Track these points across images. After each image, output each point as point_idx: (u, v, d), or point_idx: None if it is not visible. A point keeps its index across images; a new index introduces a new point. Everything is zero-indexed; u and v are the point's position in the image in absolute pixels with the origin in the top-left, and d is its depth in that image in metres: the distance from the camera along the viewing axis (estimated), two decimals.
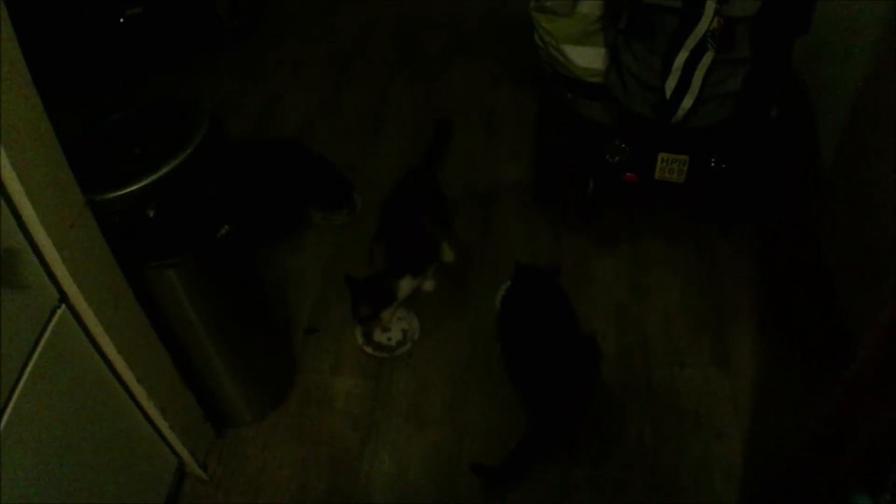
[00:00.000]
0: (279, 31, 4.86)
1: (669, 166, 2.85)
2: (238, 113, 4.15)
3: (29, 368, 1.68)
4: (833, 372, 1.86)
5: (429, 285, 3.07)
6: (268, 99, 4.27)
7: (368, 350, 2.89)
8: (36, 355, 1.70)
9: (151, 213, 2.02)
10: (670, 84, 2.55)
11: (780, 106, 2.80)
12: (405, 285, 2.82)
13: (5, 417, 1.60)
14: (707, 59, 2.47)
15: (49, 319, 1.76)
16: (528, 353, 2.57)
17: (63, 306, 1.80)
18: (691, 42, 2.45)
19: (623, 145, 2.88)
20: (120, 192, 1.96)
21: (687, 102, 2.57)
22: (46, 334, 1.74)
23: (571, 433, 2.52)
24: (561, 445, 2.52)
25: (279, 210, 3.35)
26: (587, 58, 2.85)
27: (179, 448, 2.37)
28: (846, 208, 2.82)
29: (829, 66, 2.91)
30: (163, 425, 2.24)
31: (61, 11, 3.94)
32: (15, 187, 1.58)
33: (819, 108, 3.00)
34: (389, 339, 2.92)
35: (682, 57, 2.49)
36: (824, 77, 2.98)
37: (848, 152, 2.80)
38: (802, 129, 3.05)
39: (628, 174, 2.93)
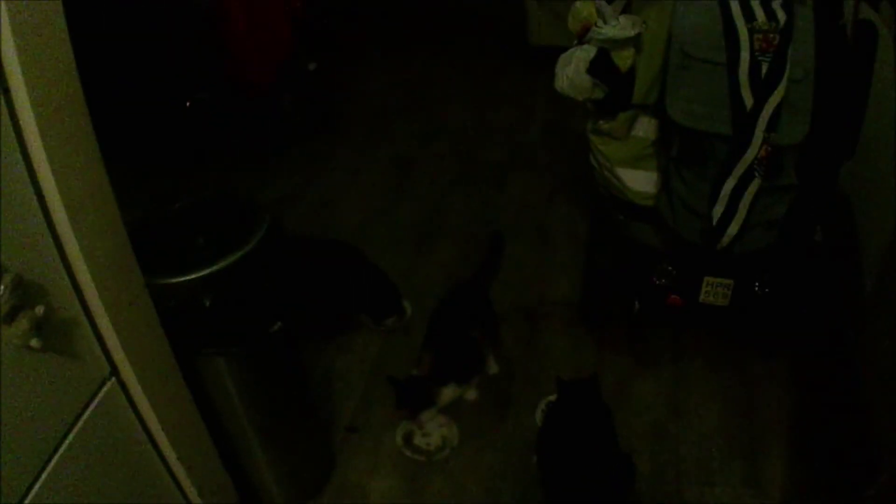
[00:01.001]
0: (342, 133, 4.99)
1: (714, 290, 2.89)
2: (295, 212, 4.24)
3: (72, 434, 1.71)
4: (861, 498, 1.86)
5: (472, 395, 3.09)
6: (325, 200, 4.37)
7: (407, 453, 2.90)
8: (81, 422, 1.73)
9: (207, 303, 2.09)
10: (717, 210, 2.59)
11: (825, 230, 2.83)
12: (448, 392, 2.88)
13: (41, 479, 1.62)
14: (754, 186, 2.51)
15: (98, 390, 1.80)
16: (563, 467, 2.57)
17: (113, 379, 1.85)
18: (739, 169, 2.50)
19: (670, 268, 2.92)
20: (179, 280, 2.04)
21: (733, 229, 2.61)
22: (93, 404, 1.78)
23: None
24: None
25: (330, 310, 3.39)
26: (639, 181, 2.89)
27: None
28: (885, 335, 2.82)
29: (874, 190, 2.92)
30: None
31: (131, 89, 4.06)
32: (78, 260, 1.64)
33: (863, 234, 3.02)
34: (429, 444, 2.94)
35: (729, 184, 2.53)
36: (869, 202, 2.99)
37: (889, 281, 2.81)
38: (847, 254, 3.07)
39: (673, 296, 2.97)
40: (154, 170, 4.19)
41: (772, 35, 2.37)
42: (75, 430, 1.72)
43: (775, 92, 2.38)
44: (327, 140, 4.93)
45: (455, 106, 5.23)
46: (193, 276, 2.05)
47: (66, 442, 1.70)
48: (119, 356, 1.83)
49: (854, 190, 3.04)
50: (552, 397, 2.85)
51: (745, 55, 2.39)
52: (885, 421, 2.68)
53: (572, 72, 2.78)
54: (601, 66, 2.72)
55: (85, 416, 1.75)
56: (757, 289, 2.86)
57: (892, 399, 2.67)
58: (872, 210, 2.96)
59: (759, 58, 2.38)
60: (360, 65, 5.78)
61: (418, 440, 2.95)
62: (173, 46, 4.29)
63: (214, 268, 2.08)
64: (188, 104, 4.37)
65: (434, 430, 2.98)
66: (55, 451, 1.67)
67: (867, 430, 2.75)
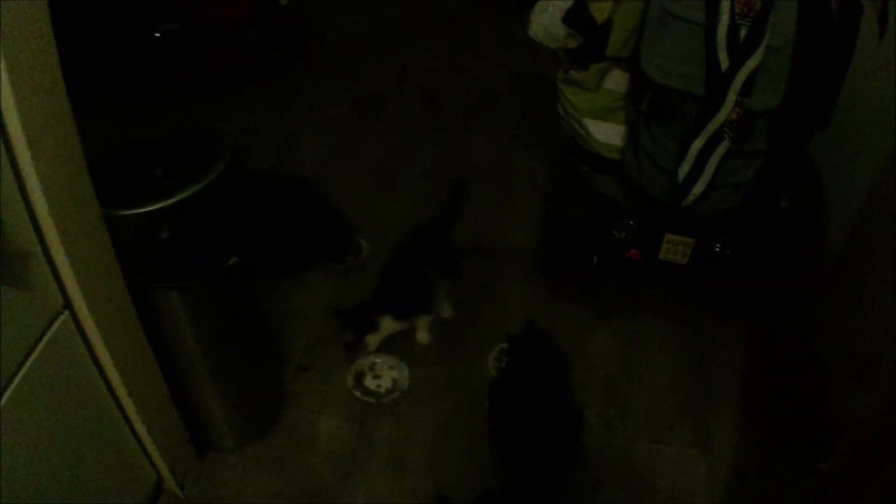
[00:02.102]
0: (310, 70, 4.92)
1: (674, 247, 2.89)
2: (259, 144, 4.19)
3: (25, 368, 1.70)
4: (810, 465, 1.87)
5: (423, 337, 3.09)
6: (290, 134, 4.31)
7: (357, 394, 2.90)
8: (34, 356, 1.72)
9: (164, 236, 2.05)
10: (684, 169, 2.58)
11: (792, 197, 2.84)
12: (386, 323, 2.92)
13: None
14: (722, 148, 2.50)
15: (51, 323, 1.79)
16: (512, 416, 2.58)
17: (66, 312, 1.83)
18: (709, 130, 2.48)
19: (631, 223, 2.92)
20: (136, 211, 2.00)
21: (698, 188, 2.60)
22: (46, 337, 1.77)
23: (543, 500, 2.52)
24: None
25: (286, 248, 3.36)
26: (607, 133, 2.87)
27: (160, 464, 2.38)
28: (843, 303, 2.84)
29: (843, 161, 2.93)
30: (147, 440, 2.26)
31: (99, 17, 3.98)
32: (35, 191, 1.61)
33: (831, 202, 3.03)
34: (379, 385, 2.94)
35: (698, 144, 2.52)
36: (838, 172, 3.00)
37: (852, 248, 2.81)
38: (812, 221, 3.08)
39: (633, 251, 2.97)
40: (116, 101, 4.11)
41: (754, 0, 2.34)
42: (27, 364, 1.72)
43: (752, 56, 2.36)
44: (295, 76, 4.86)
45: (427, 48, 5.16)
46: (150, 208, 2.03)
47: (19, 376, 1.69)
48: (73, 289, 1.82)
49: (824, 162, 3.04)
50: (505, 345, 2.85)
51: (724, 17, 2.35)
52: (839, 394, 2.71)
53: (547, 19, 2.74)
54: (577, 16, 2.68)
55: (38, 351, 1.75)
56: (717, 250, 2.87)
57: (847, 373, 2.69)
58: (841, 184, 2.97)
59: (739, 21, 2.35)
60: (334, 1, 5.69)
61: (368, 382, 2.95)
62: None
63: (172, 200, 2.05)
64: (157, 35, 4.29)
65: (385, 373, 2.98)
66: (7, 385, 1.66)
67: (821, 401, 2.78)
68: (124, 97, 4.20)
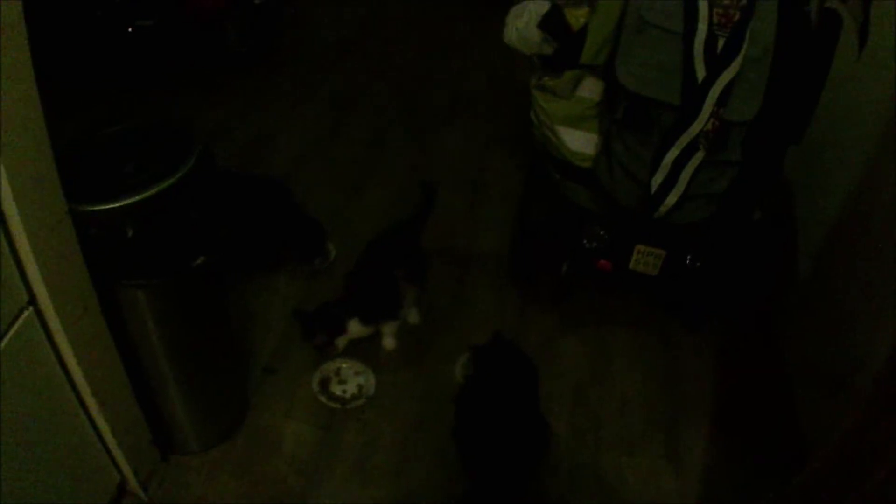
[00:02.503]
0: (284, 67, 4.93)
1: (645, 258, 2.88)
2: (231, 140, 4.18)
3: None
4: (781, 478, 1.87)
5: (389, 343, 3.08)
6: (261, 133, 4.30)
7: (323, 399, 2.87)
8: None
9: (130, 233, 2.02)
10: (657, 179, 2.57)
11: (764, 210, 2.84)
12: (354, 326, 2.91)
13: None
14: (696, 159, 2.50)
15: (15, 319, 1.76)
16: (477, 425, 2.55)
17: (31, 308, 1.80)
18: (684, 140, 2.47)
19: (602, 232, 2.91)
20: (102, 207, 1.96)
21: (671, 199, 2.60)
22: (10, 333, 1.74)
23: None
24: None
25: (255, 249, 3.33)
26: (579, 142, 2.86)
27: (123, 465, 2.35)
28: (815, 319, 2.85)
29: (818, 176, 2.95)
30: (110, 441, 2.22)
31: (73, 11, 3.96)
32: (2, 184, 1.59)
33: (803, 216, 3.05)
34: (345, 391, 2.92)
35: (672, 154, 2.51)
36: (811, 187, 3.02)
37: (825, 264, 2.82)
38: (783, 235, 3.08)
39: (603, 261, 2.96)
40: (89, 94, 4.08)
41: (732, 10, 2.34)
42: None
43: (729, 67, 2.36)
44: (269, 73, 4.86)
45: (402, 48, 5.18)
46: (117, 203, 1.97)
47: None
48: (38, 284, 1.79)
49: (797, 177, 3.06)
50: (469, 354, 2.84)
51: (702, 27, 2.35)
52: (809, 407, 2.71)
53: (523, 24, 2.74)
54: (553, 22, 2.68)
55: (1, 346, 1.70)
56: (688, 262, 2.86)
57: (817, 387, 2.70)
58: (814, 197, 2.99)
59: (717, 32, 2.34)
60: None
61: (334, 387, 2.93)
62: None
63: (138, 197, 2.00)
64: (131, 30, 4.26)
65: (350, 378, 2.96)
66: None
67: (791, 413, 2.78)
68: (96, 91, 4.17)
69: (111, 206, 1.97)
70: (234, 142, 4.19)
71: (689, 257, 2.86)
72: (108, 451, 2.27)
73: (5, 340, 1.72)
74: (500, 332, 2.76)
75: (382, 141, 4.30)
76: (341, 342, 2.94)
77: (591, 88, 2.79)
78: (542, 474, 2.61)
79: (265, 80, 4.77)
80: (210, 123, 4.26)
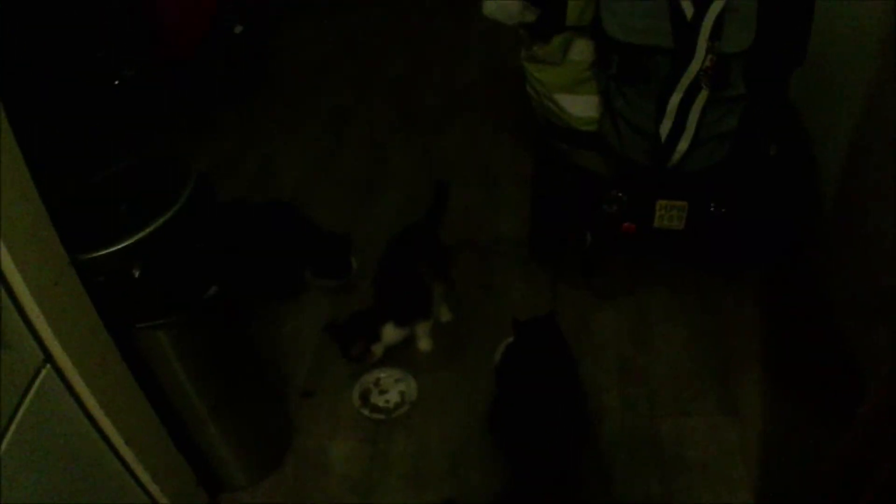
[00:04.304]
0: (277, 91, 4.91)
1: (668, 213, 2.81)
2: (235, 174, 4.15)
3: (12, 429, 1.61)
4: (843, 415, 1.81)
5: (425, 344, 3.02)
6: (265, 160, 4.27)
7: (365, 412, 2.82)
8: (19, 416, 1.64)
9: (136, 273, 1.98)
10: (665, 127, 2.52)
11: (779, 144, 2.77)
12: (389, 331, 2.85)
13: None
14: (701, 98, 2.44)
15: (33, 380, 1.70)
16: (515, 409, 2.52)
17: (48, 366, 1.75)
18: (685, 82, 2.42)
19: (620, 194, 2.84)
20: (104, 252, 1.92)
21: (683, 145, 2.54)
22: (30, 395, 1.68)
23: (556, 491, 2.44)
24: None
25: (273, 273, 3.30)
26: (580, 106, 2.81)
27: None
28: (848, 246, 2.79)
29: (826, 102, 2.90)
30: (153, 489, 2.17)
31: (54, 71, 3.94)
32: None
33: (818, 146, 2.98)
34: (387, 401, 2.86)
35: (675, 98, 2.46)
36: (822, 113, 2.96)
37: (849, 189, 2.77)
38: (802, 167, 3.02)
39: (626, 224, 2.89)
40: (78, 143, 4.07)
41: None
42: (13, 425, 1.62)
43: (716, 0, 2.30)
44: (262, 100, 4.84)
45: (389, 56, 5.13)
46: (118, 246, 1.93)
47: (7, 437, 1.60)
48: (51, 341, 1.73)
49: (806, 104, 3.00)
50: (511, 339, 2.76)
51: None
52: (856, 333, 2.65)
53: None
54: None
55: (23, 410, 1.66)
56: (712, 209, 2.79)
57: (861, 310, 2.63)
58: (827, 120, 2.93)
59: None
60: (288, 20, 5.66)
61: (376, 398, 2.87)
62: (93, 26, 4.16)
63: (139, 235, 1.96)
64: (116, 83, 4.25)
65: (391, 387, 2.91)
66: None
67: (839, 343, 2.72)
68: (91, 142, 4.17)
69: (112, 249, 1.93)
70: (240, 173, 4.16)
71: (712, 205, 2.78)
72: (154, 500, 2.22)
73: (26, 403, 1.67)
74: (554, 311, 2.72)
75: (384, 149, 4.26)
76: (378, 349, 2.88)
77: (581, 50, 2.75)
78: (599, 449, 2.57)
79: (260, 108, 4.75)
80: (212, 159, 4.24)
